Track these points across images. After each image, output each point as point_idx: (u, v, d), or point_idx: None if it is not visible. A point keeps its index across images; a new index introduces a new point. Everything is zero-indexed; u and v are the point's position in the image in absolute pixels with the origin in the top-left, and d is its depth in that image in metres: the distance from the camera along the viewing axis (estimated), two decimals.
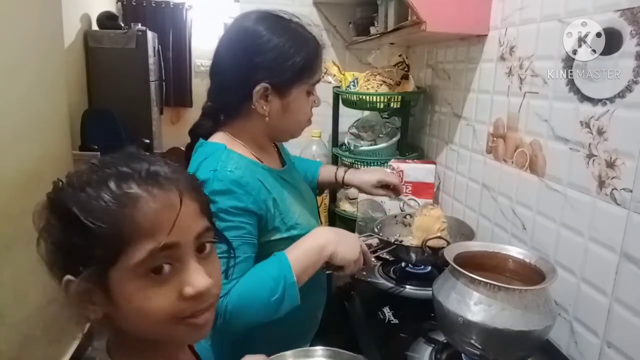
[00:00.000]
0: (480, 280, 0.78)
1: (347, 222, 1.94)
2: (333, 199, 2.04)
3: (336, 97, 1.96)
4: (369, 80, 1.78)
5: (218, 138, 0.96)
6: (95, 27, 3.95)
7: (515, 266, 0.90)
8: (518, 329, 0.76)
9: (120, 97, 3.85)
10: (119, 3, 4.39)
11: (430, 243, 1.12)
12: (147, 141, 3.75)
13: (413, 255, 1.17)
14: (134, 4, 4.40)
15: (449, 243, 1.12)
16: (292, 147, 1.27)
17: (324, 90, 1.66)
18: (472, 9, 1.30)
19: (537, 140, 1.07)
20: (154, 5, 4.43)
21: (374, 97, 1.73)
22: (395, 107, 1.73)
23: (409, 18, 1.40)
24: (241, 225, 0.85)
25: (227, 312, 0.81)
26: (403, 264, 1.29)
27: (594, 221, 0.89)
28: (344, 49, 2.29)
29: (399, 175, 1.60)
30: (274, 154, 1.07)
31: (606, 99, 0.85)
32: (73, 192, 0.48)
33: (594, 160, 0.89)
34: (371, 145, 1.85)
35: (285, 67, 0.89)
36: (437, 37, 1.55)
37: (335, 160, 1.95)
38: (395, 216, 1.38)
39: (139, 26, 3.96)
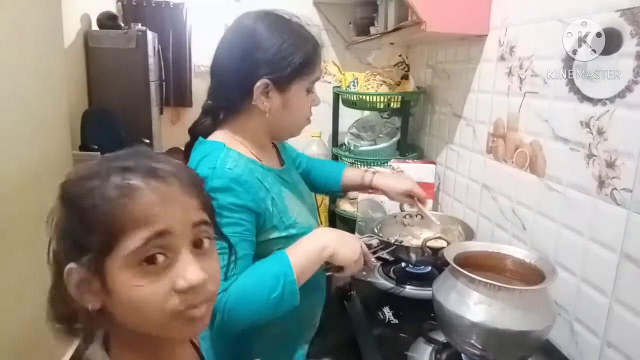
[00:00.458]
0: (480, 280, 0.78)
1: (347, 222, 1.94)
2: (333, 199, 2.05)
3: (336, 97, 1.96)
4: (369, 80, 1.78)
5: (217, 136, 0.96)
6: (95, 27, 3.94)
7: (515, 266, 0.90)
8: (518, 329, 0.76)
9: (120, 97, 3.84)
10: (119, 3, 4.39)
11: (430, 243, 1.12)
12: (147, 141, 3.74)
13: (413, 256, 1.17)
14: (134, 4, 4.39)
15: (449, 243, 1.12)
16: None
17: (324, 90, 1.66)
18: (472, 9, 1.30)
19: (537, 140, 1.07)
20: (154, 5, 4.42)
21: (374, 97, 1.73)
22: (395, 107, 1.74)
23: (409, 18, 1.40)
24: (240, 222, 0.86)
25: (226, 309, 0.81)
26: (403, 264, 1.29)
27: (594, 221, 0.89)
28: (344, 49, 2.29)
29: None
30: (273, 153, 1.08)
31: (606, 99, 0.85)
32: (80, 181, 0.51)
33: (594, 160, 0.89)
34: (371, 145, 1.85)
35: (285, 63, 0.90)
36: (437, 37, 1.55)
37: (335, 160, 1.95)
38: (395, 216, 1.38)
39: (139, 26, 3.95)
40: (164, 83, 4.37)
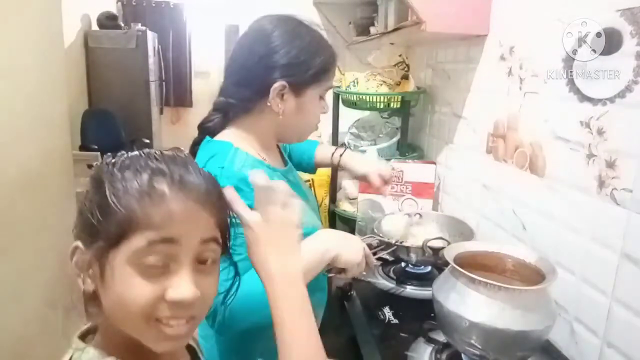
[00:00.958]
0: (480, 280, 0.78)
1: (347, 222, 1.94)
2: (333, 199, 2.05)
3: (336, 97, 1.96)
4: (369, 80, 1.78)
5: (225, 135, 0.97)
6: (95, 27, 3.95)
7: (515, 266, 0.90)
8: (518, 329, 0.76)
9: (120, 97, 3.85)
10: (119, 3, 4.39)
11: (430, 243, 1.12)
12: (147, 141, 3.75)
13: (413, 256, 1.17)
14: (134, 4, 4.40)
15: (449, 243, 1.12)
16: None
17: None
18: (472, 9, 1.30)
19: (537, 140, 1.07)
20: (154, 5, 4.43)
21: (374, 97, 1.73)
22: (395, 107, 1.74)
23: (409, 18, 1.40)
24: None
25: (228, 310, 0.81)
26: (403, 264, 1.29)
27: (594, 221, 0.89)
28: (344, 49, 2.29)
29: (399, 176, 1.61)
30: (277, 154, 1.08)
31: (606, 99, 0.85)
32: (112, 168, 0.52)
33: (594, 160, 0.89)
34: (371, 145, 1.85)
35: (305, 67, 0.93)
36: (437, 37, 1.55)
37: None
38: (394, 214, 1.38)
39: (139, 26, 3.96)
40: (164, 83, 4.38)
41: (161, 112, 4.44)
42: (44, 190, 1.86)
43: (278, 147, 1.12)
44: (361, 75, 1.82)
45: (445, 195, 1.66)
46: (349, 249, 0.92)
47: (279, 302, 0.61)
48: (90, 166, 0.55)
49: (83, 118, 3.59)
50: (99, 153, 2.98)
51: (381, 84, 1.76)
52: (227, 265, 0.68)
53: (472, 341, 0.80)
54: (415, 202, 1.60)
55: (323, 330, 1.12)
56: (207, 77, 4.50)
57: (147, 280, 0.49)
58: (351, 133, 1.96)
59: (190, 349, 0.66)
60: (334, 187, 2.06)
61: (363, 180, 1.25)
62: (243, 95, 0.96)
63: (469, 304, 0.79)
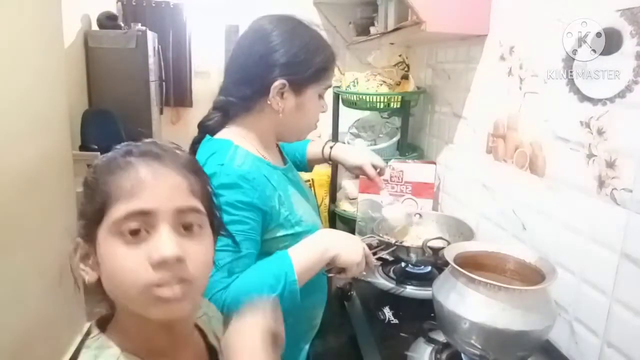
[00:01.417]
0: (480, 280, 0.78)
1: (347, 222, 1.94)
2: (333, 199, 2.05)
3: (336, 97, 1.96)
4: (369, 80, 1.78)
5: (225, 134, 0.97)
6: (95, 27, 3.94)
7: (515, 266, 0.90)
8: (518, 329, 0.76)
9: (120, 97, 3.84)
10: (119, 3, 4.39)
11: (430, 243, 1.12)
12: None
13: (413, 256, 1.17)
14: (134, 4, 4.39)
15: (449, 243, 1.12)
16: None
17: None
18: (472, 9, 1.30)
19: (537, 140, 1.07)
20: (154, 5, 4.42)
21: (374, 97, 1.73)
22: (395, 107, 1.74)
23: (409, 18, 1.40)
24: (245, 220, 0.86)
25: (226, 306, 0.81)
26: (403, 264, 1.29)
27: (594, 221, 0.89)
28: (344, 49, 2.29)
29: (399, 176, 1.61)
30: (276, 152, 1.09)
31: (606, 99, 0.85)
32: (100, 161, 0.56)
33: (594, 160, 0.89)
34: (371, 145, 1.86)
35: (305, 66, 0.93)
36: (437, 37, 1.55)
37: None
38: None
39: (139, 26, 3.95)
40: (164, 83, 4.37)
41: (161, 112, 4.43)
42: (44, 190, 1.86)
43: (278, 146, 1.12)
44: (361, 75, 1.82)
45: (445, 195, 1.66)
46: (349, 249, 0.92)
47: None
48: (90, 166, 0.57)
49: (83, 118, 3.59)
50: (99, 153, 2.98)
51: (381, 84, 1.76)
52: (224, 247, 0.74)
53: (472, 341, 0.80)
54: (415, 202, 1.60)
55: (323, 331, 1.13)
56: (207, 77, 4.49)
57: (133, 249, 0.50)
58: (351, 133, 1.96)
59: (211, 350, 0.66)
60: (334, 187, 2.06)
61: (357, 172, 1.24)
62: (243, 93, 0.96)
63: (469, 304, 0.79)
